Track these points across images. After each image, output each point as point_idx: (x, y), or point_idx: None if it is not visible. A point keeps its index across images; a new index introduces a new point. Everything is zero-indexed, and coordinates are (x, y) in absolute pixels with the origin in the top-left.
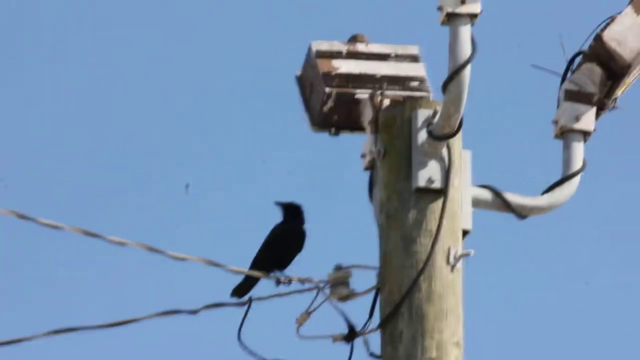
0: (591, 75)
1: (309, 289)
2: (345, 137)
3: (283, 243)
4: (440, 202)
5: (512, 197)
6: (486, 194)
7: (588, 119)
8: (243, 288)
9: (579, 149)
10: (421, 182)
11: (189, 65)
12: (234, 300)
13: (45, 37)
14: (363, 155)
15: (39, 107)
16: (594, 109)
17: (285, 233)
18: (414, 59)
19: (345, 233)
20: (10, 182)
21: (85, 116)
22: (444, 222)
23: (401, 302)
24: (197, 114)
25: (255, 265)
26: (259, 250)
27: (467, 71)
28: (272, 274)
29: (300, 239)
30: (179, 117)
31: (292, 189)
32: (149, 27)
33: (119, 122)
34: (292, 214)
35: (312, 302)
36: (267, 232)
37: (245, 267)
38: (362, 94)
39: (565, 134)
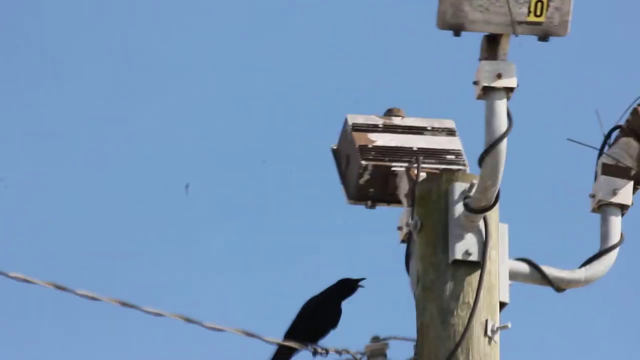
0: (628, 150)
1: None
2: (382, 209)
3: (316, 317)
4: (477, 274)
5: (550, 270)
6: (523, 267)
7: (625, 193)
8: (278, 359)
9: (616, 223)
10: (458, 254)
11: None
12: None
13: (46, 40)
14: (399, 228)
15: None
16: (631, 183)
17: (318, 307)
18: (450, 132)
19: (383, 305)
20: (44, 255)
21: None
22: (481, 294)
23: None
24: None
25: (288, 334)
26: (293, 322)
27: (504, 144)
28: (308, 345)
29: (334, 315)
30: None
31: (330, 257)
32: (168, 50)
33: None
34: (338, 289)
35: None
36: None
37: (279, 336)
38: (399, 167)
39: (603, 208)
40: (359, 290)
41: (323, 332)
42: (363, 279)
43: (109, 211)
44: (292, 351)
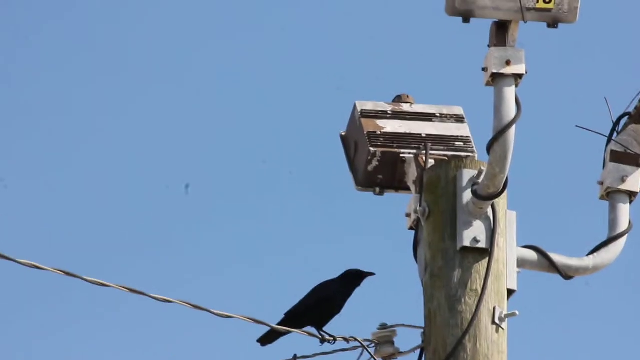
0: (637, 136)
1: (354, 348)
2: (390, 196)
3: (324, 304)
4: (485, 262)
5: (558, 258)
6: (531, 254)
7: (634, 180)
8: (271, 337)
9: (624, 210)
10: (466, 241)
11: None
12: (274, 355)
13: (51, 40)
14: (408, 215)
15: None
16: (639, 170)
17: (335, 296)
18: (458, 119)
19: (391, 292)
20: (52, 238)
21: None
22: (489, 282)
23: None
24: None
25: (291, 317)
26: (299, 304)
27: (512, 131)
28: (315, 332)
29: (340, 304)
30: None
31: (337, 244)
32: (170, 42)
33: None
34: (350, 279)
35: None
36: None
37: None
38: (407, 153)
39: (611, 195)
40: (366, 280)
41: (327, 319)
42: (372, 273)
43: (109, 211)
44: (288, 332)
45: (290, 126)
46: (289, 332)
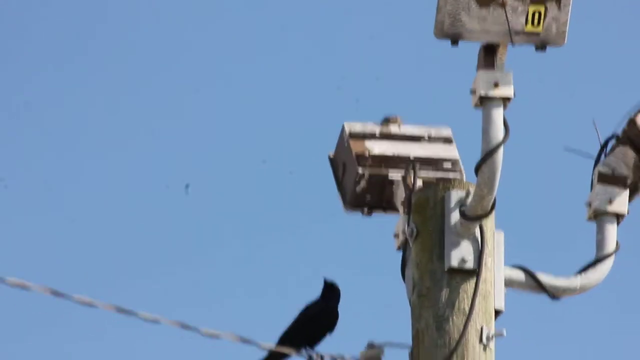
0: (624, 159)
1: None
2: (378, 217)
3: (316, 322)
4: (472, 282)
5: (545, 278)
6: (519, 275)
7: (621, 202)
8: None
9: (612, 231)
10: (454, 262)
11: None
12: None
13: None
14: (396, 235)
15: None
16: (627, 192)
17: (321, 312)
18: (446, 140)
19: (378, 311)
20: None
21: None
22: (477, 301)
23: None
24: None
25: (284, 339)
26: (291, 326)
27: (500, 153)
28: (303, 351)
29: (333, 319)
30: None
31: (326, 267)
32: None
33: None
34: (331, 293)
35: None
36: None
37: (274, 341)
38: (395, 175)
39: (599, 217)
40: (356, 296)
41: (321, 337)
42: (327, 281)
43: (109, 210)
44: (284, 355)
45: (290, 126)
46: (281, 354)
